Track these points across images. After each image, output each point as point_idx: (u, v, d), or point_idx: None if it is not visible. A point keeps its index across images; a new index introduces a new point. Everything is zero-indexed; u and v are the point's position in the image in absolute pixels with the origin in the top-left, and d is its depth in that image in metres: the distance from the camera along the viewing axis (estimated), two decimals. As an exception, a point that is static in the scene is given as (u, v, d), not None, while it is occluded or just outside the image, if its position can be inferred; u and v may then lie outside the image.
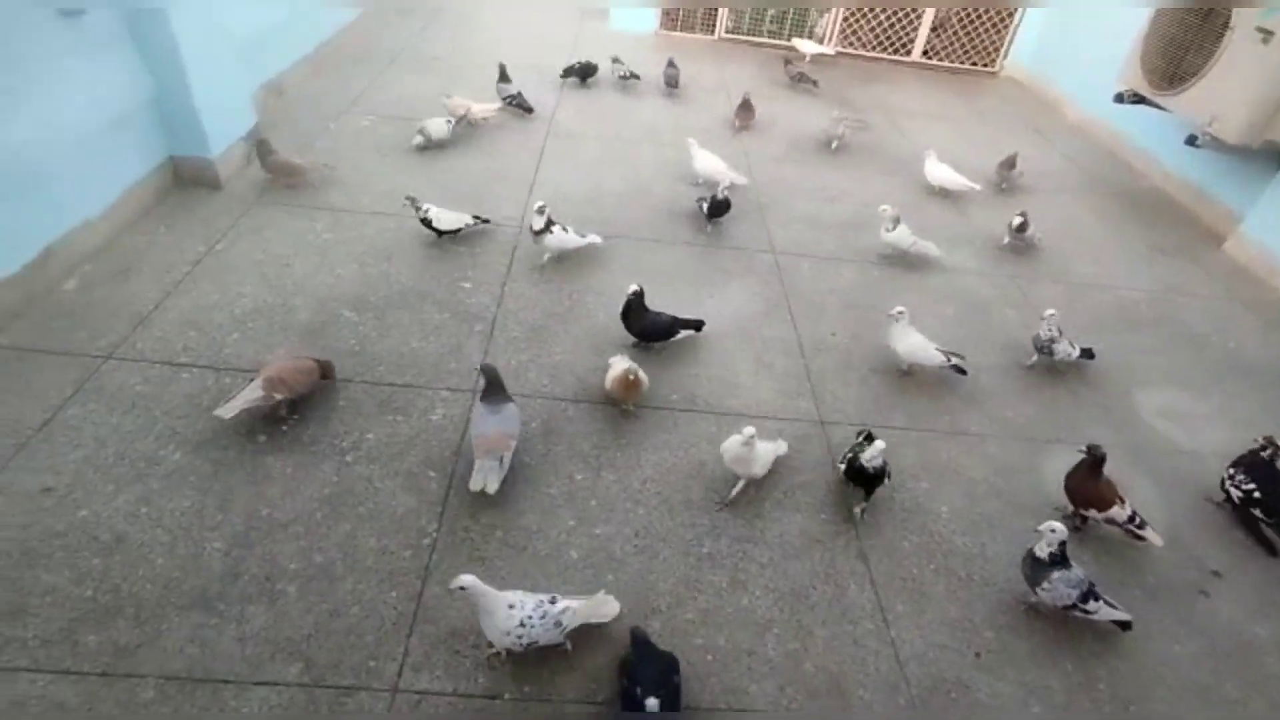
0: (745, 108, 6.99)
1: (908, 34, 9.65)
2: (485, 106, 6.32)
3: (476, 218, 4.85)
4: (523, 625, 2.47)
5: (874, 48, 9.77)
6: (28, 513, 2.86)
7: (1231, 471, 3.54)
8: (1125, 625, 2.92)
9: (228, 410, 3.17)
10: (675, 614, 2.85)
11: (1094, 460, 3.23)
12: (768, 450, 3.32)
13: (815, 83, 8.26)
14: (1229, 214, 6.19)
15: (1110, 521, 3.22)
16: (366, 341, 3.95)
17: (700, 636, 2.79)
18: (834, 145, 6.90)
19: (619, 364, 3.56)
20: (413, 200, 4.64)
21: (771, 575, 3.04)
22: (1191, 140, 5.84)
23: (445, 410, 3.60)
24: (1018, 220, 5.48)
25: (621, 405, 3.69)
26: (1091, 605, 2.85)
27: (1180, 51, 5.86)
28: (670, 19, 9.71)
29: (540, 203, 4.54)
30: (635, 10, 9.56)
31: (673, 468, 3.46)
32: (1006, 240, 5.63)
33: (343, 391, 3.62)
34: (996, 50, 9.76)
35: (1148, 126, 7.05)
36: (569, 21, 9.78)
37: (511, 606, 2.49)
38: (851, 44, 9.75)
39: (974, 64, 9.84)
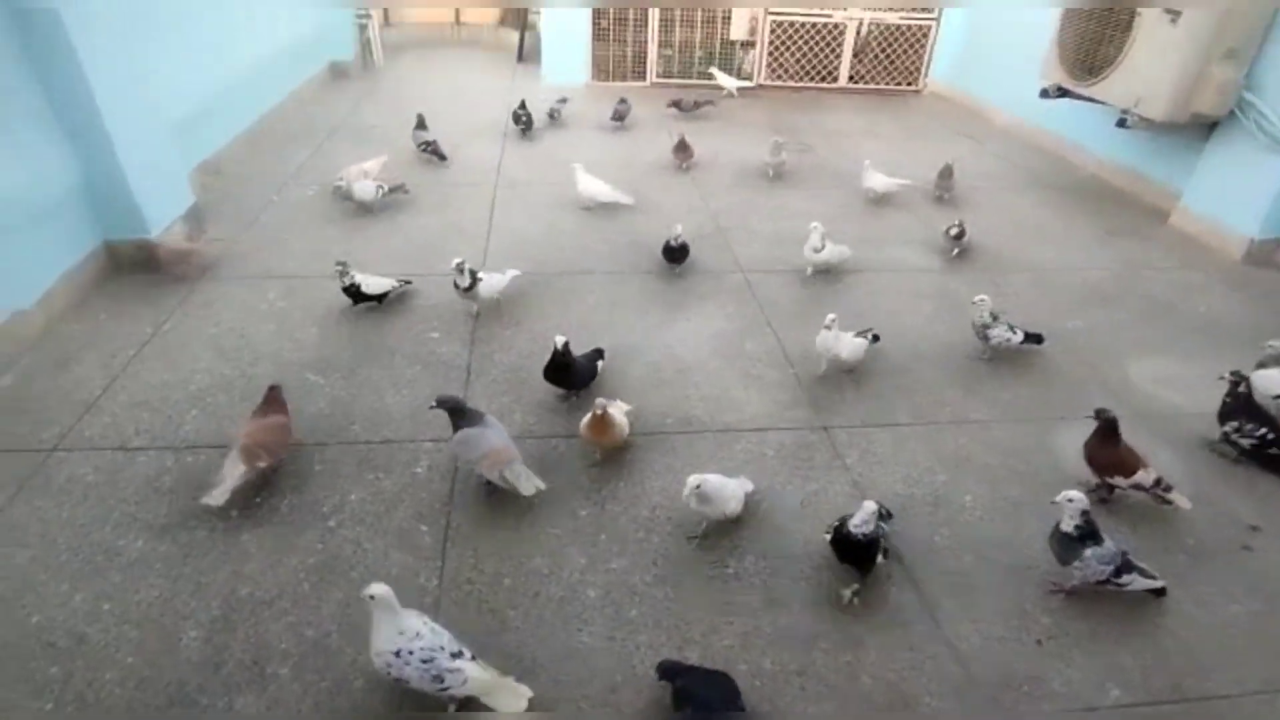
0: (682, 147, 6.95)
1: (831, 62, 10.00)
2: (373, 162, 6.06)
3: (403, 281, 4.57)
4: (398, 655, 2.22)
5: (801, 78, 10.08)
6: (-31, 627, 2.51)
7: (1235, 425, 3.50)
8: (1160, 592, 2.80)
9: (217, 497, 2.87)
10: (711, 641, 2.62)
11: (1107, 425, 3.15)
12: (730, 489, 2.97)
13: (712, 102, 8.75)
14: (1167, 191, 6.39)
15: (1137, 487, 3.12)
16: (337, 403, 3.70)
17: (743, 662, 2.55)
18: (771, 173, 6.93)
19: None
20: (343, 266, 4.32)
21: (806, 588, 2.84)
22: (1122, 122, 6.05)
23: (429, 461, 3.35)
24: (955, 230, 5.42)
25: (598, 449, 3.40)
26: (1125, 578, 2.72)
27: (1095, 43, 6.13)
28: (600, 70, 9.89)
29: (457, 259, 4.26)
30: (566, 65, 9.70)
31: (680, 492, 3.26)
32: (950, 250, 5.56)
33: (318, 455, 3.35)
34: (917, 70, 10.16)
35: (1075, 120, 7.33)
36: (503, 81, 9.88)
37: (401, 633, 2.24)
38: (780, 76, 10.05)
39: (898, 84, 10.22)
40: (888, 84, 10.20)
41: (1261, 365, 3.81)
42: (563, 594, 2.77)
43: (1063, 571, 2.81)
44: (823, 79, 10.09)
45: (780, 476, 3.37)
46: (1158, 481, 3.11)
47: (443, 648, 2.26)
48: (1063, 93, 6.71)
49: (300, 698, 2.35)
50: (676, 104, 8.56)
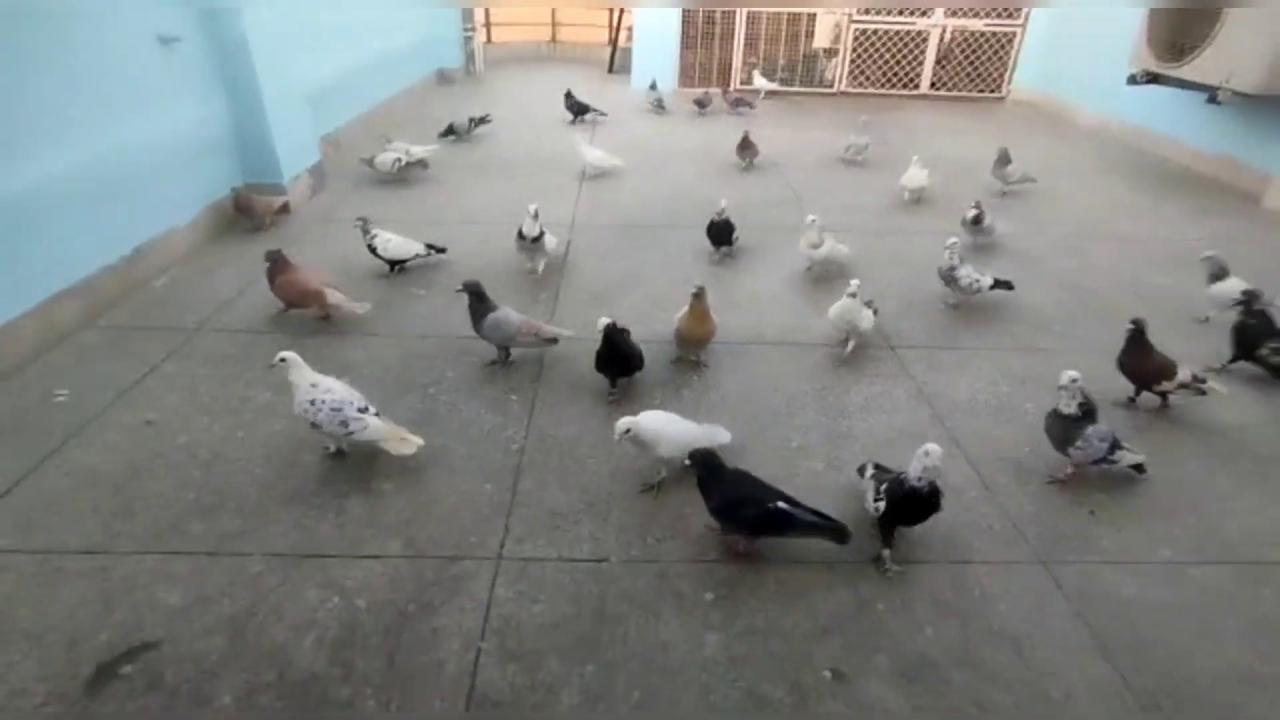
0: (745, 144, 6.77)
1: (913, 68, 10.15)
2: (424, 147, 6.46)
3: (430, 247, 4.49)
4: (313, 404, 2.67)
5: (882, 84, 10.26)
6: (131, 440, 2.94)
7: (1272, 346, 3.52)
8: (1140, 468, 2.88)
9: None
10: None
11: (1138, 332, 3.21)
12: (671, 433, 2.72)
13: (752, 105, 8.92)
14: (1260, 175, 6.23)
15: (1183, 386, 3.16)
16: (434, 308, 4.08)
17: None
18: (852, 154, 7.04)
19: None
20: (364, 222, 4.37)
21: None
22: (1213, 98, 5.98)
23: (520, 352, 3.67)
24: (972, 213, 4.95)
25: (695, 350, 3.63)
26: (1116, 454, 2.80)
27: (1186, 22, 6.11)
28: (688, 78, 10.35)
29: (533, 205, 4.31)
30: (655, 72, 10.16)
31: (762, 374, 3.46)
32: (966, 236, 4.96)
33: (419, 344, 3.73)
34: (1001, 76, 10.19)
35: (1164, 111, 7.24)
36: (593, 87, 10.45)
37: (314, 385, 2.71)
38: (862, 83, 10.26)
39: (981, 91, 10.25)
40: (970, 90, 10.25)
41: (1215, 277, 3.96)
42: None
43: (1057, 461, 2.90)
44: (905, 85, 10.24)
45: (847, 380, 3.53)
46: (1195, 376, 3.16)
47: (352, 403, 2.71)
48: (1151, 78, 6.67)
49: (401, 506, 2.66)
50: (699, 103, 8.90)
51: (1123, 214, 5.93)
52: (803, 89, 10.28)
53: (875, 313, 3.72)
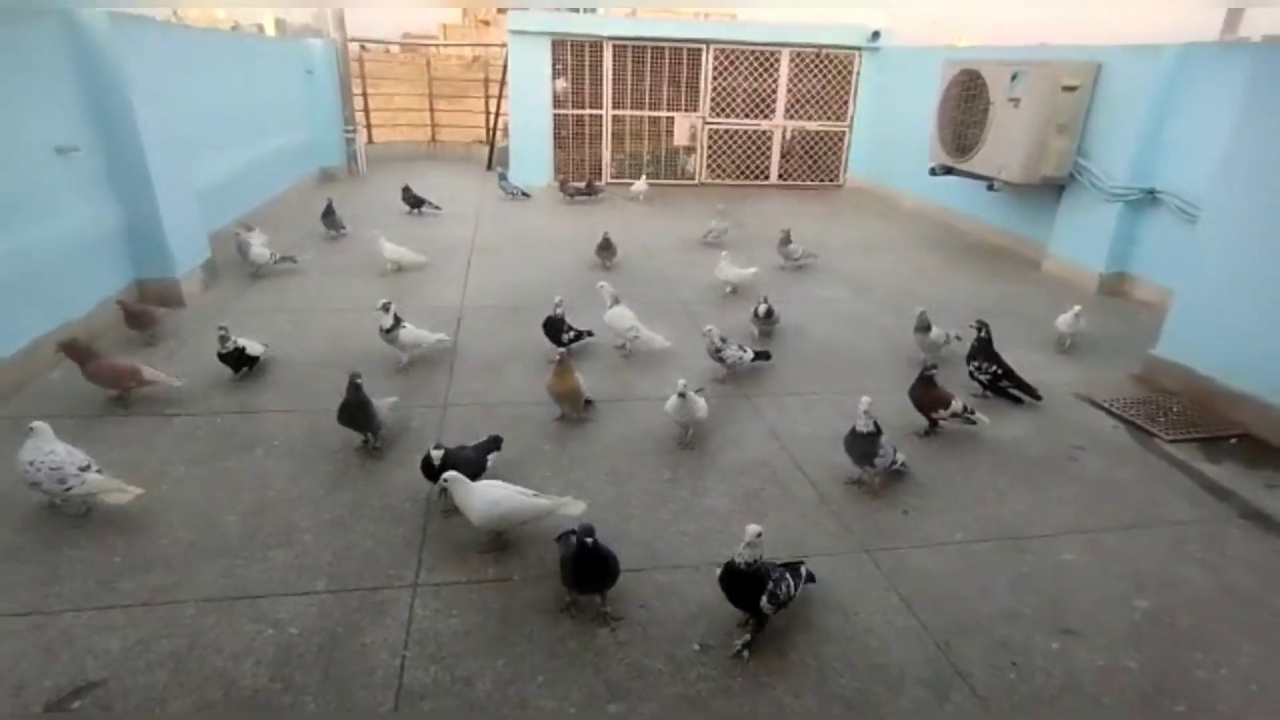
0: (605, 245, 7.01)
1: (763, 162, 11.55)
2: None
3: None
4: (32, 464, 2.96)
5: (737, 176, 11.58)
6: (44, 512, 3.10)
7: (974, 364, 4.55)
8: (904, 467, 3.67)
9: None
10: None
11: (927, 376, 4.08)
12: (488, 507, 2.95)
13: (594, 193, 10.09)
14: (1037, 245, 7.64)
15: (954, 415, 4.02)
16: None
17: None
18: (712, 237, 7.96)
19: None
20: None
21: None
22: (990, 186, 7.37)
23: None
24: (763, 307, 5.27)
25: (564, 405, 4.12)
26: (898, 459, 3.58)
27: (965, 127, 7.55)
28: (561, 173, 11.23)
29: (383, 299, 4.55)
30: (530, 169, 10.98)
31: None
32: (753, 327, 5.40)
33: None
34: (838, 168, 11.76)
35: (962, 196, 8.72)
36: (472, 181, 11.15)
37: (37, 449, 2.98)
38: (719, 175, 11.54)
39: (822, 180, 11.78)
40: (813, 180, 11.75)
41: (921, 327, 4.95)
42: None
43: (856, 473, 3.61)
44: (757, 176, 11.61)
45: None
46: (965, 408, 4.04)
47: (73, 463, 3.01)
48: (947, 170, 8.08)
49: (321, 552, 2.98)
50: (563, 185, 10.03)
51: (932, 280, 7.09)
52: (667, 180, 11.41)
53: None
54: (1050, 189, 7.22)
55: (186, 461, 3.55)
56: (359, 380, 3.61)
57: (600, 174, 11.31)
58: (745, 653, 2.59)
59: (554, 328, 4.89)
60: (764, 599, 2.50)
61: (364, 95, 13.09)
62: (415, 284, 6.34)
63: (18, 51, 4.36)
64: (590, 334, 5.09)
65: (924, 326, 4.95)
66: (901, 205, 10.39)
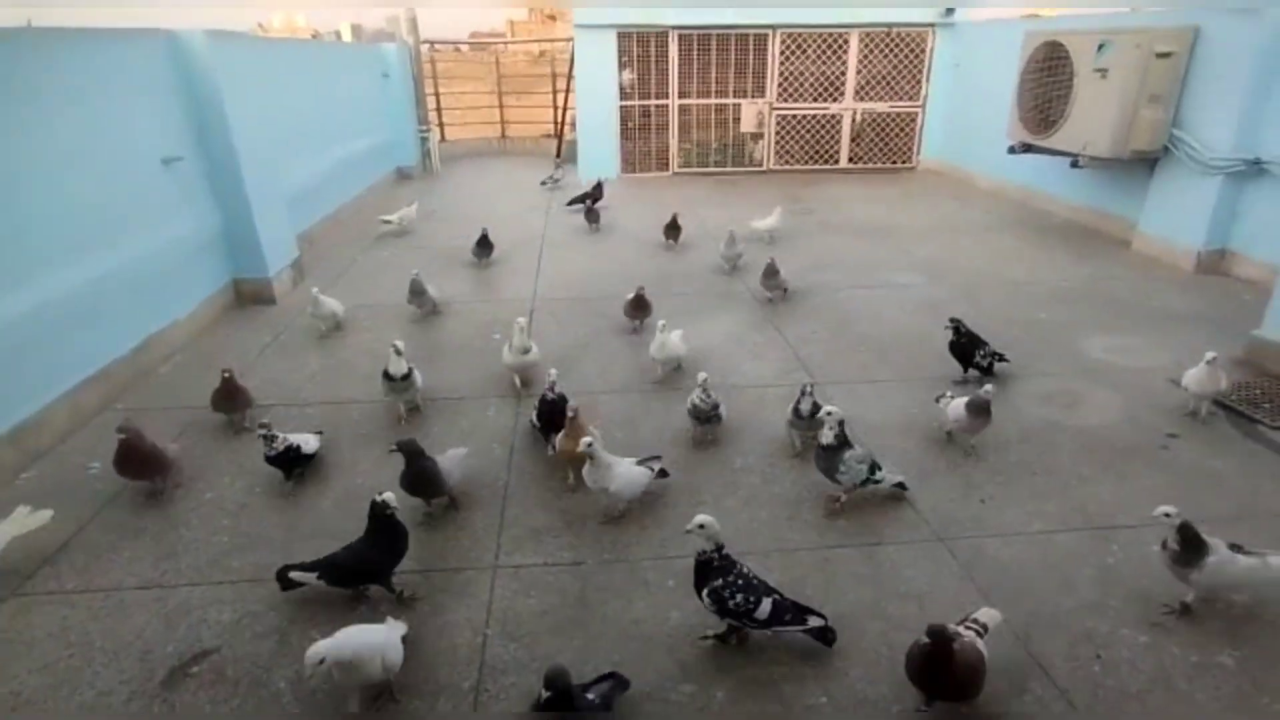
0: (673, 226, 7.22)
1: (832, 147, 11.32)
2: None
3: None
4: None
5: (806, 161, 11.39)
6: (162, 499, 3.38)
7: (980, 353, 4.45)
8: (902, 486, 3.35)
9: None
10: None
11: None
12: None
13: (557, 180, 10.31)
14: (1126, 223, 7.25)
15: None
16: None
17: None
18: (728, 267, 6.85)
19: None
20: (267, 428, 3.44)
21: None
22: (1074, 163, 7.02)
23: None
24: (808, 402, 4.15)
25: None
26: (879, 474, 3.23)
27: (1047, 102, 7.22)
28: (628, 164, 11.30)
29: (396, 341, 4.00)
30: (598, 162, 11.08)
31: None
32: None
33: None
34: (910, 150, 11.42)
35: (1043, 174, 8.34)
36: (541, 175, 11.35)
37: None
38: (787, 162, 11.38)
39: (894, 163, 11.45)
40: (885, 163, 11.45)
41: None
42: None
43: (832, 488, 3.27)
44: (826, 161, 11.39)
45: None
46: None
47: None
48: (1026, 148, 7.75)
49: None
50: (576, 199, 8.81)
51: (1012, 261, 6.83)
52: (735, 168, 11.32)
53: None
54: (1141, 164, 6.82)
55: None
56: (416, 446, 3.15)
57: (668, 164, 11.32)
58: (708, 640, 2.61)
59: (553, 410, 3.61)
60: (704, 592, 2.47)
61: (436, 95, 13.46)
62: (493, 275, 6.54)
63: (130, 71, 4.70)
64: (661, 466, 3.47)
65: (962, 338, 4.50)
66: (977, 186, 10.01)
